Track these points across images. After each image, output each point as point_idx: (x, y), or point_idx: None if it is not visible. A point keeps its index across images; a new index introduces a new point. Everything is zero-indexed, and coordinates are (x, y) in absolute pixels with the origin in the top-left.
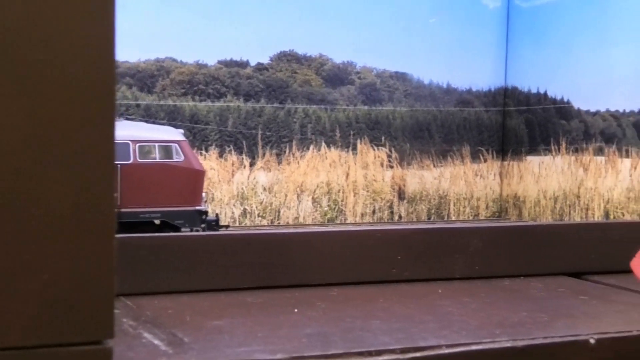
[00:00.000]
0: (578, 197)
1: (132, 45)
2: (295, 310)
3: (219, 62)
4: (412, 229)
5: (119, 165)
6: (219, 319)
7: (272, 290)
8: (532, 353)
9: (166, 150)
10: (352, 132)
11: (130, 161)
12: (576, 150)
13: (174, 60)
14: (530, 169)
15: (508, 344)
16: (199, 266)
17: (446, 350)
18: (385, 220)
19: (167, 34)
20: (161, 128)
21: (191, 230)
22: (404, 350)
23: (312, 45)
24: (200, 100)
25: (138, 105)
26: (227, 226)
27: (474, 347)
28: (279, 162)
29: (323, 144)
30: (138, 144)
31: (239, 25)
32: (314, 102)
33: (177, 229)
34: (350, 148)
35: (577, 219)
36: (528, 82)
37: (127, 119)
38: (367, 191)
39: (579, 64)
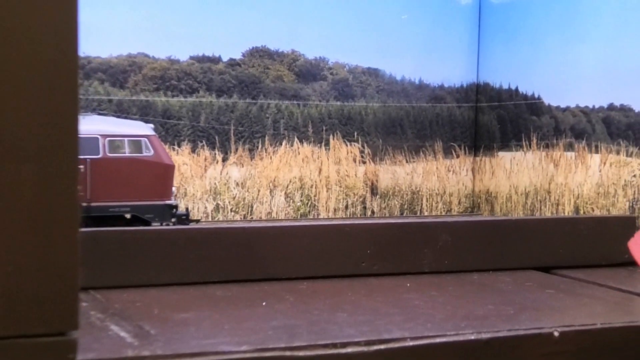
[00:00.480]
0: (549, 192)
1: (104, 40)
2: (264, 303)
3: (191, 57)
4: (382, 224)
5: (88, 160)
6: (187, 311)
7: (241, 284)
8: (496, 345)
9: (136, 144)
10: (324, 128)
11: (100, 156)
12: (547, 146)
13: (146, 55)
14: (502, 164)
15: (472, 337)
16: (169, 260)
17: (410, 343)
18: (359, 215)
19: (139, 29)
20: (131, 123)
21: (161, 225)
22: (368, 343)
23: (285, 41)
24: (173, 96)
25: (110, 101)
26: (197, 220)
27: (438, 340)
28: (252, 158)
29: (296, 139)
30: (107, 139)
31: (211, 21)
32: (286, 98)
33: (147, 223)
34: (323, 144)
35: (548, 214)
36: (500, 78)
37: (100, 114)
38: (340, 186)
39: (549, 60)
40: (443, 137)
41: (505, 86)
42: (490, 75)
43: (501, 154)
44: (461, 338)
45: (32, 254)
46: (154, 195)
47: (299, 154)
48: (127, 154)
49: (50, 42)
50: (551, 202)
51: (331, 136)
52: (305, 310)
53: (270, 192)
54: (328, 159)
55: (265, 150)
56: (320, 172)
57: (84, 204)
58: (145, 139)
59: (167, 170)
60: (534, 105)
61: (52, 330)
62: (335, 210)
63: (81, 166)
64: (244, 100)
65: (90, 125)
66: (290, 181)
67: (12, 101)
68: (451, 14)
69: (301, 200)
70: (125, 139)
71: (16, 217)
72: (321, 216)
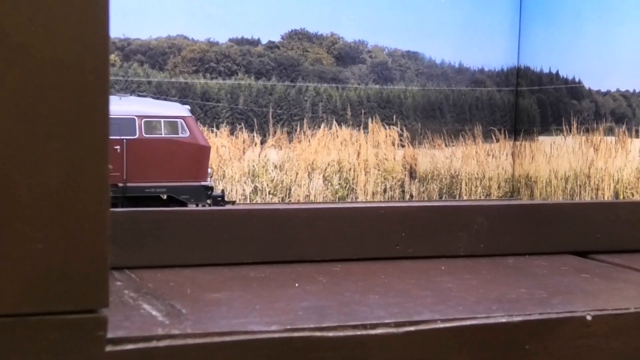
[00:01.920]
0: (589, 177)
1: (144, 22)
2: (296, 284)
3: (230, 40)
4: (417, 207)
5: (124, 140)
6: (219, 291)
7: (275, 266)
8: (528, 328)
9: (172, 125)
10: (363, 111)
11: (136, 136)
12: (587, 131)
13: (185, 37)
14: (542, 149)
15: (503, 319)
16: (203, 241)
17: (441, 325)
18: (397, 199)
19: (179, 11)
20: (167, 104)
21: (197, 206)
22: (398, 324)
23: (324, 24)
24: (212, 78)
25: (150, 83)
26: (233, 202)
27: (468, 322)
28: (290, 140)
29: (334, 122)
30: (144, 119)
31: (251, 3)
32: (325, 81)
33: (183, 204)
34: (362, 127)
35: (588, 199)
36: (540, 61)
37: (139, 95)
38: (379, 170)
39: (590, 43)
40: (483, 121)
41: (545, 70)
42: (531, 59)
43: (541, 138)
44: (492, 320)
45: (61, 232)
46: (190, 176)
47: (337, 137)
48: (163, 135)
49: (77, 18)
50: (591, 187)
51: (370, 119)
52: (337, 292)
53: (309, 175)
54: (367, 142)
55: (304, 133)
56: (358, 155)
57: (121, 184)
58: (182, 120)
59: (202, 152)
60: (575, 89)
61: (82, 307)
62: (373, 193)
63: (117, 147)
64: (282, 83)
65: (127, 106)
66: (328, 164)
67: (37, 79)
68: None
69: (339, 184)
70: (162, 119)
71: (44, 195)
72: (359, 199)
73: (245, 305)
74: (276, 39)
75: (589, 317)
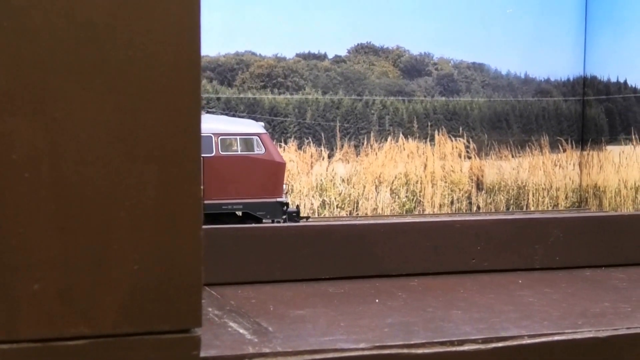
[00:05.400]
0: None
1: (213, 39)
2: (376, 300)
3: (297, 55)
4: (492, 220)
5: (201, 158)
6: (301, 308)
7: (352, 281)
8: (616, 343)
9: (247, 142)
10: (429, 123)
11: (213, 154)
12: None
13: (253, 53)
14: (610, 158)
15: (591, 334)
16: (281, 257)
17: (528, 341)
18: (464, 210)
19: (246, 28)
20: (242, 121)
21: (272, 222)
22: (486, 340)
23: (389, 37)
24: (279, 93)
25: (219, 99)
26: (307, 217)
27: (556, 338)
28: (357, 154)
29: (401, 135)
30: (220, 137)
31: (317, 18)
32: (391, 94)
33: (258, 220)
34: (428, 139)
35: None
36: (607, 70)
37: (208, 112)
38: (445, 182)
39: None
40: (549, 131)
41: (613, 79)
42: (597, 68)
43: (609, 147)
44: (579, 336)
45: (156, 252)
46: (266, 192)
47: (404, 149)
48: (239, 152)
49: (172, 42)
50: None
51: (436, 131)
52: (419, 308)
53: (376, 188)
54: (433, 155)
55: (371, 146)
56: (425, 167)
57: None
58: (257, 137)
59: (278, 168)
60: None
61: (177, 327)
62: (440, 205)
63: None
64: (349, 97)
65: (203, 124)
66: (395, 177)
67: (135, 102)
68: (557, 6)
69: (406, 196)
70: (237, 137)
71: (141, 216)
72: (427, 212)
73: (330, 322)
74: (342, 53)
75: None
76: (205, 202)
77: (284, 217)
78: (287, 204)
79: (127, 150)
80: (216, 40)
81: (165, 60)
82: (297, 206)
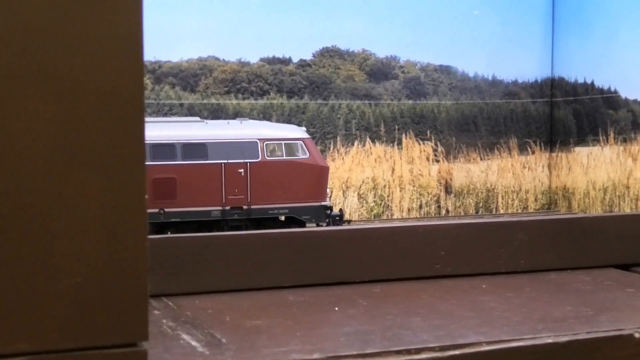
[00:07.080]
0: (628, 187)
1: (174, 44)
2: (336, 308)
3: (262, 59)
4: (455, 224)
5: (248, 163)
6: (258, 318)
7: (313, 288)
8: (575, 348)
9: (291, 147)
10: (397, 127)
11: (259, 159)
12: (624, 140)
13: (217, 58)
14: (579, 160)
15: (550, 340)
16: (240, 265)
17: (486, 347)
18: (433, 215)
19: (209, 32)
20: (285, 126)
21: (317, 225)
22: (443, 348)
23: (355, 41)
24: (244, 98)
25: (182, 105)
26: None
27: (514, 344)
28: (324, 158)
29: (368, 139)
30: (265, 142)
31: (281, 22)
32: (357, 98)
33: (302, 223)
34: (396, 143)
35: (627, 210)
36: (575, 72)
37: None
38: (414, 186)
39: (625, 52)
40: (518, 134)
41: (580, 80)
42: (565, 70)
43: (578, 149)
44: (538, 342)
45: (100, 264)
46: (310, 196)
47: (371, 154)
48: (283, 157)
49: (114, 49)
50: (630, 198)
51: (404, 135)
52: (379, 315)
53: (343, 193)
54: (401, 159)
55: (337, 151)
56: (393, 171)
57: (245, 207)
58: (301, 142)
59: (322, 172)
60: (611, 99)
61: (122, 341)
62: (409, 210)
63: (241, 170)
64: (315, 101)
65: (248, 129)
66: (363, 182)
67: (76, 110)
68: (524, 8)
69: (374, 201)
70: (282, 142)
71: (84, 226)
72: (395, 216)
73: (286, 332)
74: (307, 57)
75: (637, 335)
76: (252, 207)
77: (327, 220)
78: (330, 208)
79: (68, 158)
80: (178, 45)
81: (107, 66)
82: (341, 210)
